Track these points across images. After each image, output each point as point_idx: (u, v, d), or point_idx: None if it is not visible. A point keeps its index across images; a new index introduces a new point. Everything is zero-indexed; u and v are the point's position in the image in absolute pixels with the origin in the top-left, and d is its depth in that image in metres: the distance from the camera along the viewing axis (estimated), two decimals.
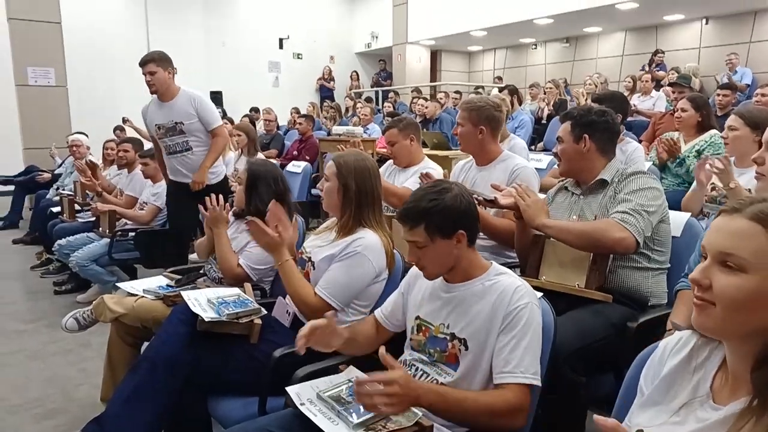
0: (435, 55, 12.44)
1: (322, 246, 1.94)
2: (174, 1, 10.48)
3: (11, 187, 6.84)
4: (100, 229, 3.87)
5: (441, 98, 8.29)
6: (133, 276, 3.87)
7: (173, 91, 3.50)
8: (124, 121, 7.27)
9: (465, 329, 1.39)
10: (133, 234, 3.73)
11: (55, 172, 6.53)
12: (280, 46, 11.49)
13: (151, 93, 3.52)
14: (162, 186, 3.91)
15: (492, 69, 12.51)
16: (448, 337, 1.42)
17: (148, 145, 4.27)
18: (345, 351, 1.59)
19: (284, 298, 2.03)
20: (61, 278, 4.33)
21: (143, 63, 3.43)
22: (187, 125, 3.48)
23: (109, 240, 3.67)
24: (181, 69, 11.44)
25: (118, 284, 2.51)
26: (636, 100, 6.53)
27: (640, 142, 4.03)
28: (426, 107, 6.96)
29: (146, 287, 2.29)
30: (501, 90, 6.53)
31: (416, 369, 1.47)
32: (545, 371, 1.36)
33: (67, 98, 7.86)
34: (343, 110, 9.22)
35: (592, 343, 1.69)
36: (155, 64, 3.40)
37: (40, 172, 6.63)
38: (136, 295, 2.27)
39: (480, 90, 9.40)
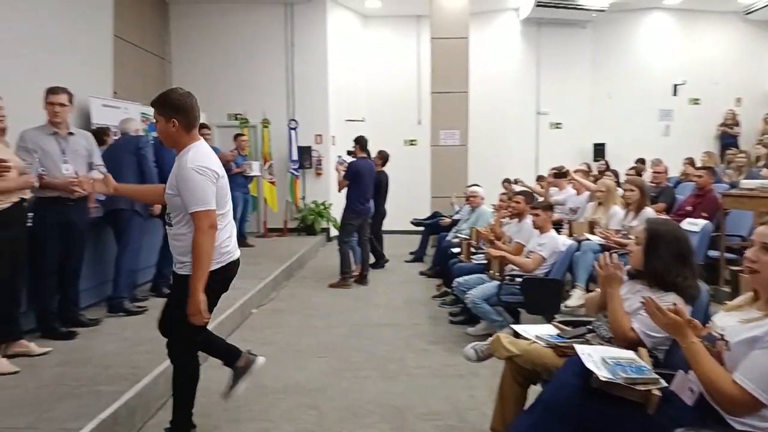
0: None
1: (741, 324, 1.71)
2: (565, 60, 10.98)
3: (421, 228, 8.34)
4: (491, 271, 4.33)
5: None
6: (516, 318, 4.17)
7: None
8: (515, 182, 7.96)
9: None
10: (519, 279, 4.02)
11: (454, 217, 7.64)
12: (674, 93, 10.66)
13: None
14: (548, 236, 4.13)
15: None
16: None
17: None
18: None
19: (686, 372, 1.86)
20: (455, 310, 5.00)
21: None
22: None
23: (498, 283, 4.06)
24: (565, 123, 11.88)
25: (513, 326, 2.73)
26: None
27: None
28: None
29: (538, 333, 2.44)
30: None
31: None
32: None
33: (467, 155, 9.15)
34: (753, 159, 7.86)
35: None
36: None
37: (442, 217, 7.86)
38: (528, 338, 2.44)
39: None
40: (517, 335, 2.54)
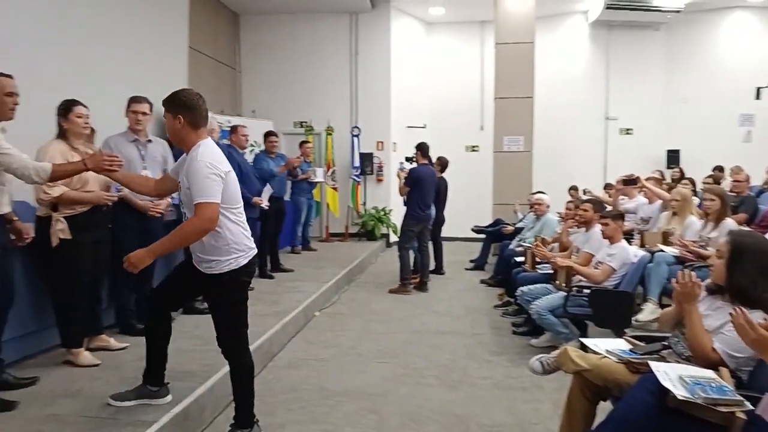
0: None
1: None
2: (636, 63, 10.58)
3: (482, 236, 8.23)
4: (557, 282, 4.21)
5: None
6: (583, 331, 4.03)
7: None
8: (584, 191, 7.73)
9: None
10: (587, 291, 3.89)
11: (517, 225, 7.49)
12: (757, 96, 10.00)
13: None
14: (619, 247, 3.98)
15: None
16: None
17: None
18: None
19: None
20: (518, 320, 4.90)
21: None
22: None
23: (565, 294, 3.94)
24: (636, 128, 11.40)
25: (581, 339, 2.65)
26: None
27: None
28: None
29: (609, 348, 2.34)
30: None
31: None
32: None
33: (531, 161, 8.96)
34: None
35: None
36: None
37: (505, 225, 7.73)
38: (598, 353, 2.36)
39: None
40: (584, 348, 2.46)
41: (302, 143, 8.32)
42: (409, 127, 10.55)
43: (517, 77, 8.82)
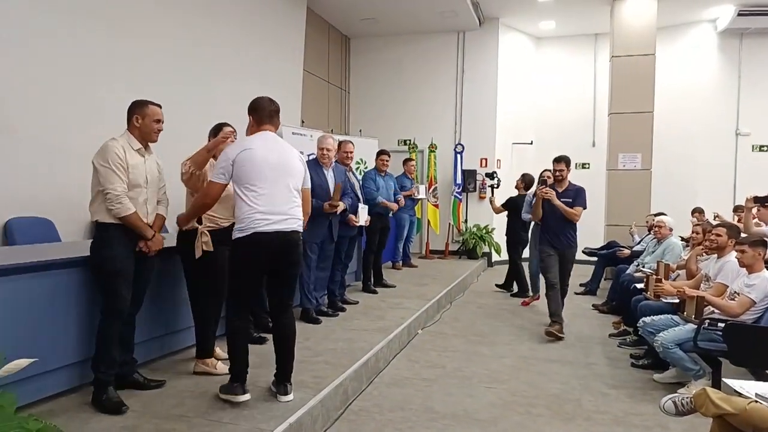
0: None
1: None
2: None
3: (593, 258, 7.77)
4: (685, 312, 3.85)
5: None
6: (716, 369, 3.64)
7: None
8: (715, 216, 7.05)
9: None
10: (721, 325, 3.51)
11: (634, 248, 7.00)
12: None
13: None
14: (760, 277, 3.57)
15: None
16: None
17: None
18: None
19: None
20: (637, 352, 4.54)
21: None
22: None
23: (695, 327, 3.59)
24: None
25: (725, 380, 2.38)
26: None
27: None
28: None
29: (760, 392, 2.09)
30: None
31: None
32: None
33: (650, 180, 8.37)
34: None
35: None
36: None
37: (620, 248, 7.25)
38: (746, 396, 2.10)
39: None
40: (716, 387, 2.20)
41: (406, 161, 8.41)
42: (515, 143, 10.31)
43: (635, 91, 8.33)
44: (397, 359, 4.39)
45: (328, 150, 4.92)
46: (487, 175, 9.54)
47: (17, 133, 4.29)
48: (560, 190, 5.14)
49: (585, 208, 5.13)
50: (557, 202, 5.02)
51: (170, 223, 3.42)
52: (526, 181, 6.91)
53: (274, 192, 2.85)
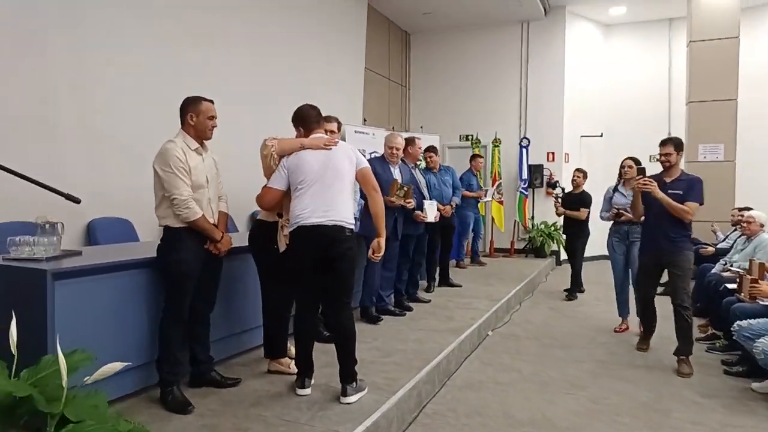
0: None
1: None
2: None
3: None
4: None
5: None
6: None
7: None
8: None
9: None
10: None
11: (718, 246, 6.54)
12: None
13: None
14: None
15: None
16: None
17: None
18: None
19: None
20: (729, 358, 4.21)
21: None
22: None
23: None
24: None
25: None
26: None
27: None
28: None
29: None
30: None
31: None
32: None
33: (734, 173, 7.80)
34: None
35: None
36: None
37: (703, 245, 6.79)
38: None
39: None
40: None
41: (473, 157, 8.22)
42: (583, 136, 9.90)
43: (717, 78, 7.78)
44: (469, 361, 4.26)
45: (397, 149, 4.90)
46: (548, 184, 9.26)
47: (105, 138, 4.51)
48: (668, 180, 4.09)
49: (701, 203, 4.02)
50: (660, 194, 3.94)
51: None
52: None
53: (318, 190, 2.95)
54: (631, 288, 5.04)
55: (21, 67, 3.96)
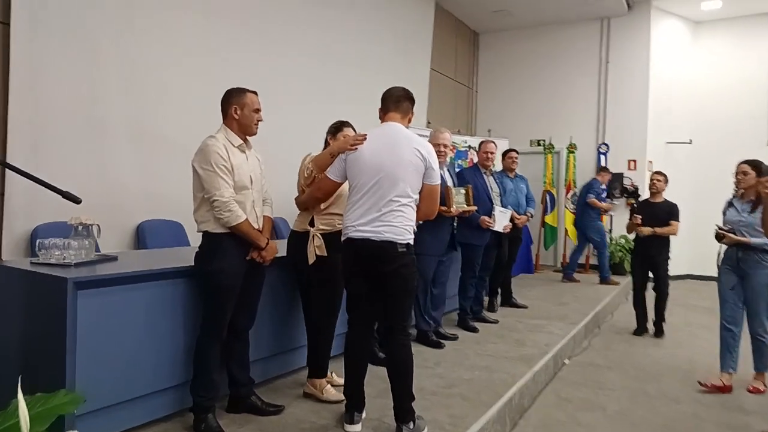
0: None
1: None
2: None
3: None
4: None
5: None
6: None
7: None
8: None
9: None
10: None
11: None
12: None
13: None
14: None
15: None
16: None
17: None
18: None
19: None
20: None
21: None
22: None
23: None
24: None
25: None
26: None
27: None
28: None
29: None
30: None
31: None
32: None
33: None
34: None
35: None
36: None
37: None
38: None
39: None
40: None
41: (602, 169, 7.91)
42: (669, 143, 9.01)
43: None
44: (544, 395, 3.72)
45: (444, 146, 4.20)
46: (626, 192, 8.43)
47: (155, 138, 4.35)
48: None
49: None
50: None
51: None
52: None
53: (370, 197, 2.54)
54: (745, 329, 3.88)
55: (72, 69, 3.85)
